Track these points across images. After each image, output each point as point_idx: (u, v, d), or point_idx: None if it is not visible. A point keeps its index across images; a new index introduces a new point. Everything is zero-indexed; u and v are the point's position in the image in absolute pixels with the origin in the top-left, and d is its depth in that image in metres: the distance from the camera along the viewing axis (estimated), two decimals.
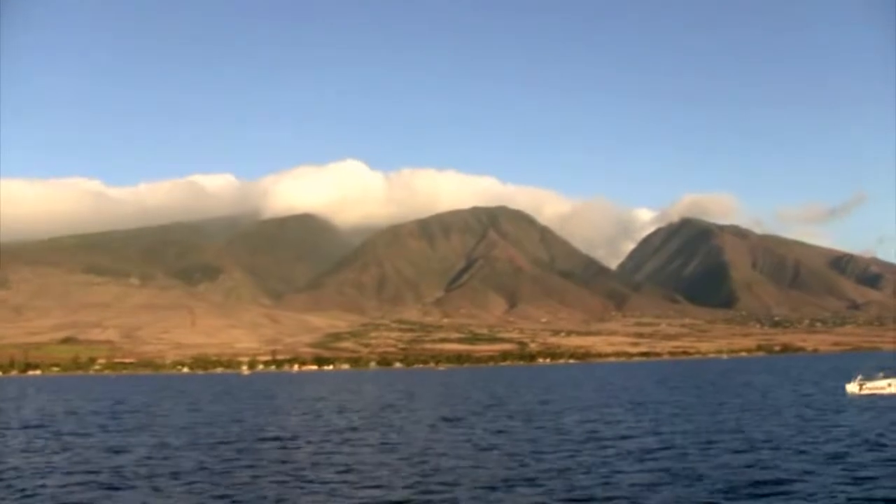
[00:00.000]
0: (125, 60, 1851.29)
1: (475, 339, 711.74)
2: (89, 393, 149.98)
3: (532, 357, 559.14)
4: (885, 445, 41.99)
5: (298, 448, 48.93)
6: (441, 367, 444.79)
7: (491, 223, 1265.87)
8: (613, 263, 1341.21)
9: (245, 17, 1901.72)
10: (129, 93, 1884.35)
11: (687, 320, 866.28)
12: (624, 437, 49.39)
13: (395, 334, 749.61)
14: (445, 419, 68.92)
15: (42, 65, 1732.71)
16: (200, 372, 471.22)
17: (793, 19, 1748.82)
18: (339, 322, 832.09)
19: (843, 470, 35.03)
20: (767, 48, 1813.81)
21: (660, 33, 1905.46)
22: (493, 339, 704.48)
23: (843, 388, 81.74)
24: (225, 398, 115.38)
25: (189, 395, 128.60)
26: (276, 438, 54.97)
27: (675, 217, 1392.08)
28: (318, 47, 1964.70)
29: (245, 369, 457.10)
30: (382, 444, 50.14)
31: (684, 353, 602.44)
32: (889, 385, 78.76)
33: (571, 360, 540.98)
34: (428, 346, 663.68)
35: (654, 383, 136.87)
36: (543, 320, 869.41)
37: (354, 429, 62.27)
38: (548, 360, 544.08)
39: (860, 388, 79.33)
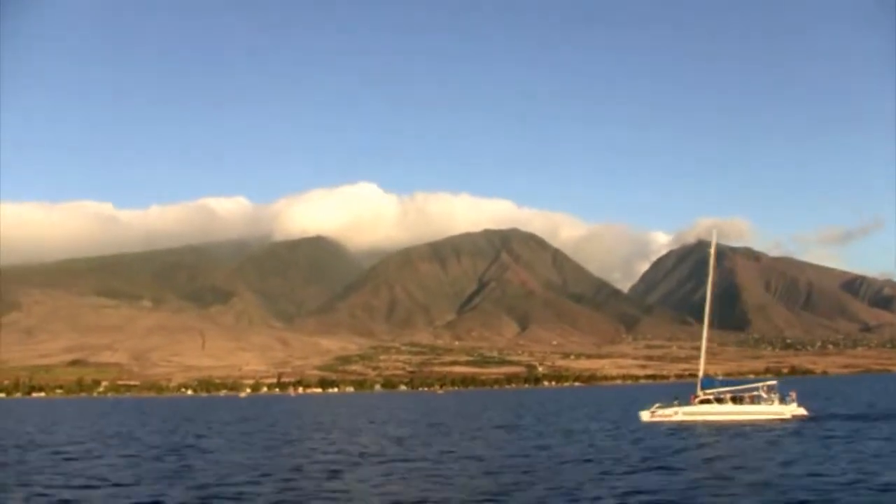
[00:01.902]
0: (136, 83, 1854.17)
1: (484, 361, 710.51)
2: (47, 417, 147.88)
3: (537, 380, 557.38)
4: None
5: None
6: (440, 391, 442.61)
7: (503, 246, 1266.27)
8: (629, 286, 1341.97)
9: (257, 40, 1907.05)
10: (139, 116, 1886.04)
11: (698, 343, 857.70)
12: None
13: (404, 357, 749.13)
14: None
15: (51, 89, 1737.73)
16: (204, 394, 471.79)
17: (811, 44, 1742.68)
18: (349, 345, 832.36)
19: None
20: (785, 73, 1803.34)
21: (678, 57, 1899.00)
22: (502, 362, 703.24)
23: (638, 415, 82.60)
24: (180, 423, 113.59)
25: (152, 419, 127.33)
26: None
27: (690, 240, 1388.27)
28: (332, 69, 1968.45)
29: (242, 393, 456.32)
30: None
31: (691, 375, 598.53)
32: (675, 413, 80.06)
33: (577, 384, 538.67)
34: (437, 368, 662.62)
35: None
36: (554, 343, 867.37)
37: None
38: (553, 383, 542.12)
39: (652, 415, 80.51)
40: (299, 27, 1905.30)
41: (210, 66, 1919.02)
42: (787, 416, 77.68)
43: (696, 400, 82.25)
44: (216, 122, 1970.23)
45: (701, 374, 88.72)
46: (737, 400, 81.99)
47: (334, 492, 35.10)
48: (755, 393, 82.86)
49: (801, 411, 80.00)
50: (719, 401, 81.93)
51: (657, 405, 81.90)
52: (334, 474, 41.32)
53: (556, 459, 46.28)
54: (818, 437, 57.07)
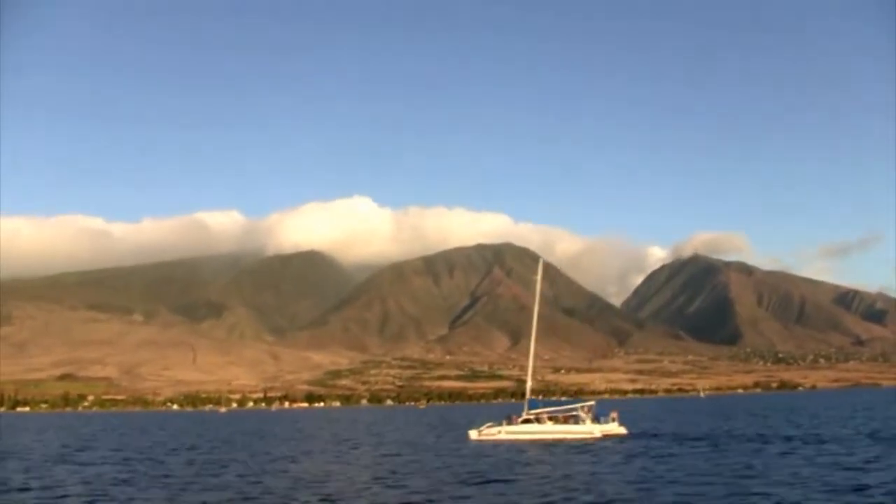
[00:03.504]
0: (128, 96, 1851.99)
1: (474, 376, 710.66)
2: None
3: (524, 394, 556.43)
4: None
5: None
6: (421, 406, 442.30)
7: (496, 260, 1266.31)
8: (624, 300, 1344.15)
9: (250, 53, 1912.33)
10: (131, 129, 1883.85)
11: (690, 357, 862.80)
12: None
13: (394, 371, 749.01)
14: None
15: (43, 103, 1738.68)
16: (189, 409, 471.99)
17: (811, 61, 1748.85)
18: (340, 359, 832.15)
19: None
20: (785, 88, 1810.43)
21: (677, 72, 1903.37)
22: (491, 377, 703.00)
23: (467, 434, 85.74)
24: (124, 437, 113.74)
25: (105, 435, 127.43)
26: None
27: (687, 255, 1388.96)
28: (327, 84, 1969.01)
29: (223, 408, 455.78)
30: None
31: (680, 389, 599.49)
32: (499, 431, 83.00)
33: (563, 398, 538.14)
34: (426, 383, 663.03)
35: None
36: (546, 357, 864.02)
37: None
38: (540, 397, 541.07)
39: (479, 434, 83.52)
40: (294, 43, 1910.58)
41: (204, 79, 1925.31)
42: (597, 434, 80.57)
43: (519, 420, 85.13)
44: (210, 135, 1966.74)
45: (528, 395, 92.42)
46: (554, 420, 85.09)
47: None
48: (574, 413, 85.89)
49: (619, 430, 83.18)
50: (539, 420, 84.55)
51: (487, 424, 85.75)
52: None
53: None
54: (608, 453, 61.13)
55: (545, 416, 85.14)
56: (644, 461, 53.34)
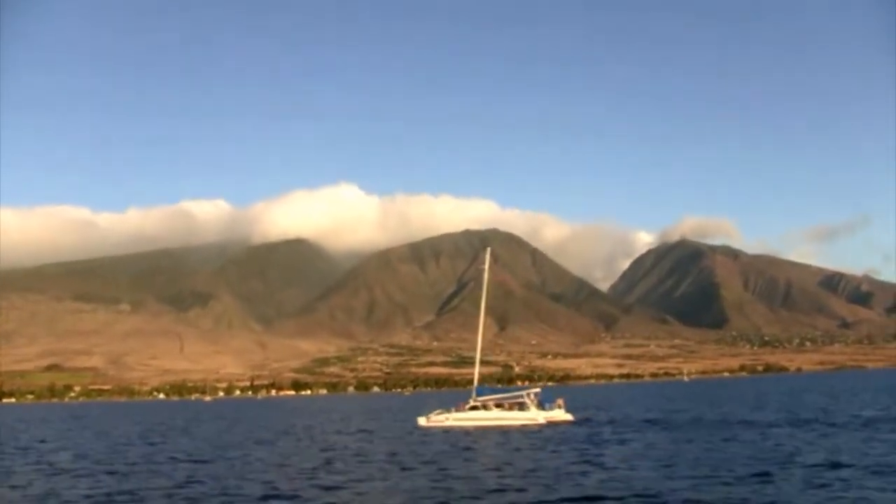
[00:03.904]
0: (112, 85, 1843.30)
1: (461, 362, 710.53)
2: None
3: (510, 380, 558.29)
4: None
5: None
6: (407, 393, 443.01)
7: (483, 246, 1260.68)
8: (611, 285, 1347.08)
9: (236, 40, 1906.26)
10: (117, 119, 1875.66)
11: (676, 341, 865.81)
12: None
13: (381, 358, 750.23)
14: None
15: (27, 93, 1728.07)
16: (176, 398, 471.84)
17: (799, 44, 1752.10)
18: (327, 347, 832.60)
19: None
20: (773, 73, 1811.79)
21: (664, 58, 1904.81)
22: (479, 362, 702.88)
23: (416, 421, 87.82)
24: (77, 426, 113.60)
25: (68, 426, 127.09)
26: None
27: (674, 240, 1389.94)
28: (312, 71, 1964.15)
29: (208, 397, 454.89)
30: None
31: (666, 374, 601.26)
32: (447, 418, 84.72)
33: (549, 383, 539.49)
34: (413, 370, 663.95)
35: None
36: (533, 343, 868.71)
37: None
38: (526, 383, 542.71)
39: (428, 421, 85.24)
40: (279, 30, 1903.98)
41: (188, 68, 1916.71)
42: (541, 420, 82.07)
43: (467, 406, 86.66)
44: (195, 124, 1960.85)
45: (476, 382, 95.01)
46: (501, 406, 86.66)
47: None
48: (520, 400, 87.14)
49: (565, 416, 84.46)
50: (485, 407, 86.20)
51: (437, 411, 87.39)
52: None
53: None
54: (539, 438, 63.28)
55: (491, 403, 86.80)
56: (569, 446, 54.87)
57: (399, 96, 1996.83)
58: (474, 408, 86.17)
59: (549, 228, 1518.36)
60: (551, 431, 70.11)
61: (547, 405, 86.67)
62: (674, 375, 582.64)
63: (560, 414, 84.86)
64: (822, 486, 32.63)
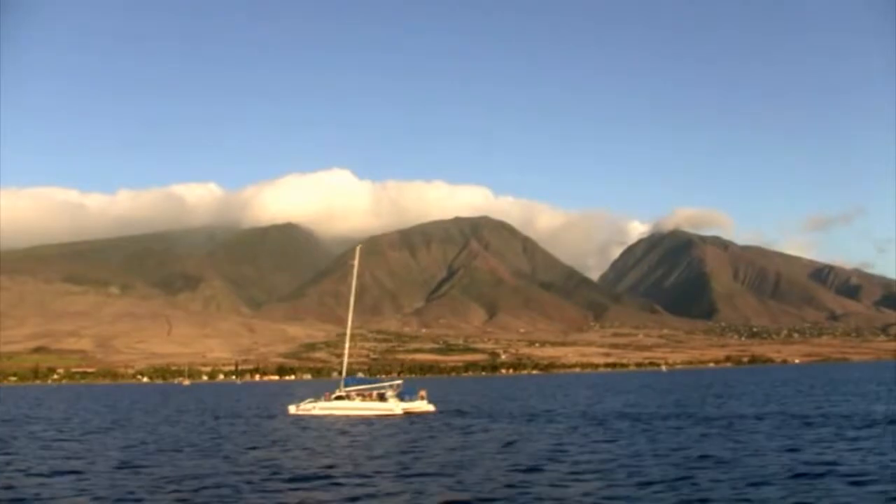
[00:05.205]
0: (102, 66, 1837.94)
1: (448, 349, 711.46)
2: None
3: (494, 368, 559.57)
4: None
5: None
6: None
7: (473, 234, 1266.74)
8: (601, 274, 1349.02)
9: (229, 24, 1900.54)
10: (108, 101, 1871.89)
11: (665, 331, 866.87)
12: None
13: (369, 344, 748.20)
14: None
15: (16, 74, 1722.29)
16: (159, 382, 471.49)
17: (795, 31, 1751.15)
18: (316, 332, 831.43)
19: None
20: (769, 64, 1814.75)
21: (660, 48, 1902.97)
22: (466, 350, 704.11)
23: (287, 409, 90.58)
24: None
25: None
26: None
27: (667, 230, 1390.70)
28: (306, 54, 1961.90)
29: (186, 381, 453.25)
30: None
31: (651, 363, 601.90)
32: (314, 407, 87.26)
33: (535, 371, 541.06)
34: (400, 356, 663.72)
35: None
36: (521, 331, 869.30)
37: None
38: (511, 371, 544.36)
39: (297, 409, 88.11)
40: (273, 14, 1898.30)
41: (179, 51, 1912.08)
42: (398, 411, 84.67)
43: (333, 396, 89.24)
44: (188, 107, 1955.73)
45: (344, 373, 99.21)
46: (363, 397, 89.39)
47: None
48: (381, 391, 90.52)
49: (426, 407, 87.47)
50: (349, 397, 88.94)
51: (307, 399, 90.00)
52: None
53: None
54: (395, 428, 65.45)
55: (354, 393, 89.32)
56: (410, 436, 56.89)
57: (396, 82, 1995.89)
58: (340, 397, 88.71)
59: (543, 216, 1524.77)
60: (402, 421, 73.17)
61: (407, 397, 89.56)
62: (658, 365, 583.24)
63: (422, 405, 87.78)
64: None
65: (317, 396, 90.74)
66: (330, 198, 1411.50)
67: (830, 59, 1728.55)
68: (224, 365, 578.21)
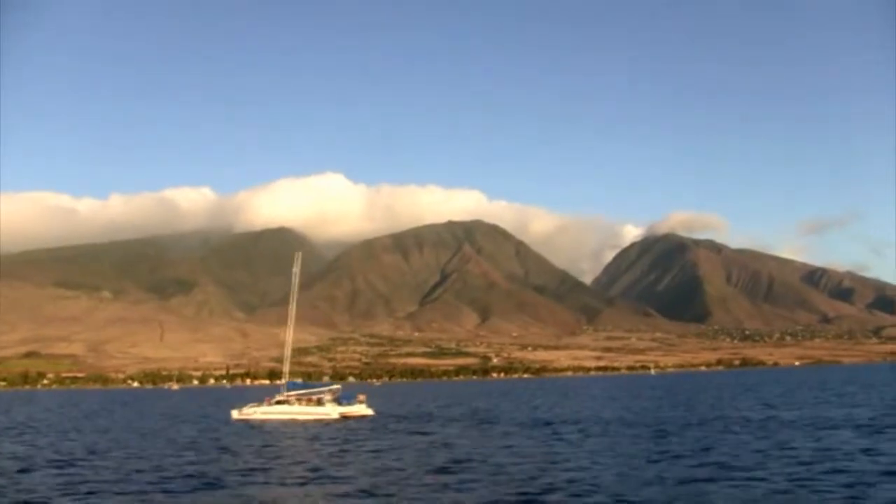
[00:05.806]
0: (94, 70, 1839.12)
1: (441, 353, 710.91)
2: None
3: (486, 372, 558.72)
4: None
5: None
6: (377, 384, 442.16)
7: (466, 238, 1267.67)
8: (595, 278, 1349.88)
9: (223, 28, 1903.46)
10: (101, 105, 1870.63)
11: (658, 334, 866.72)
12: None
13: (362, 348, 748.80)
14: None
15: (9, 79, 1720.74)
16: (149, 386, 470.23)
17: (790, 34, 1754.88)
18: (309, 336, 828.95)
19: None
20: (764, 68, 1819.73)
21: (656, 52, 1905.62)
22: (458, 354, 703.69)
23: (230, 414, 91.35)
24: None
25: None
26: None
27: (661, 233, 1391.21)
28: (300, 61, 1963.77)
29: (175, 385, 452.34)
30: None
31: (642, 367, 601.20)
32: (255, 412, 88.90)
33: (526, 375, 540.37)
34: (392, 360, 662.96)
35: None
36: (514, 335, 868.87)
37: None
38: (502, 375, 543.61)
39: (240, 414, 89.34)
40: (266, 19, 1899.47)
41: (172, 55, 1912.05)
42: (335, 415, 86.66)
43: (273, 401, 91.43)
44: (180, 111, 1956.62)
45: (285, 378, 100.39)
46: (302, 401, 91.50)
47: None
48: (320, 396, 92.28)
49: (364, 411, 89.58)
50: (289, 402, 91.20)
51: (250, 404, 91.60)
52: None
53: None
54: (313, 429, 69.06)
55: (294, 398, 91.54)
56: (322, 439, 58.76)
57: (389, 86, 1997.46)
58: (280, 402, 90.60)
59: (536, 220, 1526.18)
60: (337, 425, 75.17)
61: (345, 401, 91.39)
62: (649, 369, 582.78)
63: (361, 409, 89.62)
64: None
65: (259, 402, 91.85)
66: (323, 202, 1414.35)
67: (825, 63, 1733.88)
68: (216, 370, 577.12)
